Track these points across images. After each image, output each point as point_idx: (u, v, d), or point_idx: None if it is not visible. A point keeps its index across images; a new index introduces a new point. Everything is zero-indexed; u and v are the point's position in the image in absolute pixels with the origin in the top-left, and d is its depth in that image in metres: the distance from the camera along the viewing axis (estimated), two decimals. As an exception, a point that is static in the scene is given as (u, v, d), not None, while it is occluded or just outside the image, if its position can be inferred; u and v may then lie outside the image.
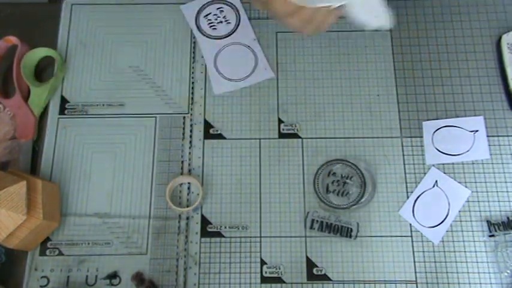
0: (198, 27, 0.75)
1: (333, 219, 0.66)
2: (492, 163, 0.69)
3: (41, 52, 0.74)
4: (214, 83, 0.73)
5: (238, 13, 0.76)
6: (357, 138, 0.71)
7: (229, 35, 0.76)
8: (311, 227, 0.66)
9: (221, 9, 0.76)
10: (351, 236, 0.66)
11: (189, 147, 0.71)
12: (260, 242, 0.67)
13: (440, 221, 0.67)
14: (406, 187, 0.69)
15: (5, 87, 0.74)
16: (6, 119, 0.70)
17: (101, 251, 0.66)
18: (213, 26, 0.75)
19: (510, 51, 0.72)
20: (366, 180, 0.67)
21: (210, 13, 0.76)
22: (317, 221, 0.66)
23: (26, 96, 0.72)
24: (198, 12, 0.76)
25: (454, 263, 0.65)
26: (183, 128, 0.72)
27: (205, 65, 0.74)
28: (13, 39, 0.72)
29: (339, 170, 0.68)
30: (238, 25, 0.76)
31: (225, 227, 0.67)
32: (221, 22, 0.76)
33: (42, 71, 0.75)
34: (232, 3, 0.77)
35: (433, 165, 0.69)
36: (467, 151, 0.70)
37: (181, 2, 0.78)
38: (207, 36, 0.75)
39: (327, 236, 0.66)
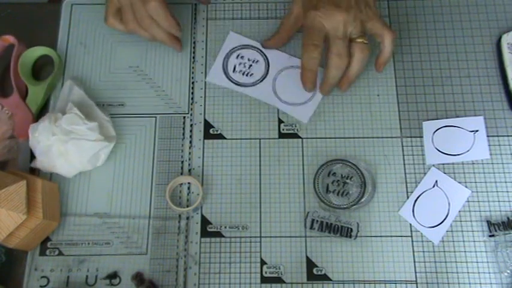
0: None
1: (333, 219, 0.66)
2: (492, 163, 0.69)
3: (38, 51, 0.74)
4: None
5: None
6: (357, 138, 0.71)
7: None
8: (311, 227, 0.66)
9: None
10: (350, 236, 0.66)
11: (189, 147, 0.71)
12: (260, 242, 0.67)
13: (440, 221, 0.67)
14: (406, 187, 0.69)
15: (3, 87, 0.74)
16: (4, 118, 0.70)
17: (101, 251, 0.66)
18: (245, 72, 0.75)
19: (510, 51, 0.72)
20: (366, 180, 0.67)
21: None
22: (317, 221, 0.66)
23: (24, 95, 0.72)
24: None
25: (454, 263, 0.65)
26: (183, 128, 0.72)
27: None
28: (10, 39, 0.72)
29: (339, 170, 0.68)
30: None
31: (225, 227, 0.67)
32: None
33: (40, 70, 0.75)
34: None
35: (433, 165, 0.69)
36: (467, 151, 0.70)
37: (181, 2, 0.78)
38: None
39: (327, 236, 0.66)
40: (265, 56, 0.75)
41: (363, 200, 0.67)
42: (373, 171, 0.69)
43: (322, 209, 0.67)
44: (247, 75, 0.74)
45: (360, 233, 0.66)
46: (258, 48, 0.75)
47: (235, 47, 0.75)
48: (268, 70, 0.74)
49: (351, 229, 0.66)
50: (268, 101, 0.73)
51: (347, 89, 0.71)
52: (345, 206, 0.67)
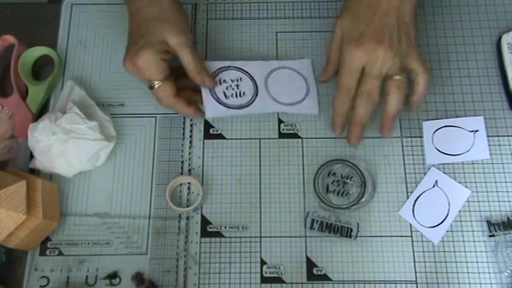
0: None
1: (333, 219, 0.66)
2: (492, 163, 0.69)
3: (38, 51, 0.74)
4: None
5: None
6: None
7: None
8: (311, 227, 0.66)
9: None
10: (350, 236, 0.66)
11: (189, 147, 0.71)
12: (260, 242, 0.67)
13: (440, 221, 0.67)
14: (406, 187, 0.69)
15: (3, 87, 0.74)
16: (5, 118, 0.70)
17: (101, 251, 0.66)
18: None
19: (510, 51, 0.72)
20: (366, 180, 0.67)
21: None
22: (317, 221, 0.66)
23: (24, 95, 0.72)
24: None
25: (454, 263, 0.65)
26: (183, 128, 0.72)
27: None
28: (10, 39, 0.72)
29: (339, 170, 0.68)
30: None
31: (225, 227, 0.67)
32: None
33: (40, 70, 0.75)
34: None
35: (433, 165, 0.69)
36: (467, 151, 0.70)
37: (181, 2, 0.78)
38: None
39: (327, 236, 0.66)
40: (244, 70, 0.73)
41: (363, 200, 0.67)
42: (373, 171, 0.69)
43: (322, 209, 0.67)
44: (240, 95, 0.72)
45: (360, 233, 0.66)
46: (233, 67, 0.73)
47: (213, 74, 0.72)
48: (256, 83, 0.72)
49: (351, 229, 0.66)
50: (273, 109, 0.72)
51: (389, 132, 0.67)
52: (345, 206, 0.67)
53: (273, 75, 0.73)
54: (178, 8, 0.68)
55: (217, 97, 0.71)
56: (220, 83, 0.71)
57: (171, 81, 0.67)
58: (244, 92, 0.72)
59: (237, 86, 0.72)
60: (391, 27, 0.64)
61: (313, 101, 0.72)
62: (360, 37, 0.64)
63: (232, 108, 0.71)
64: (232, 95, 0.71)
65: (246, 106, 0.71)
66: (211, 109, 0.70)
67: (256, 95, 0.72)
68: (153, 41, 0.64)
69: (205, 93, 0.70)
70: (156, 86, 0.66)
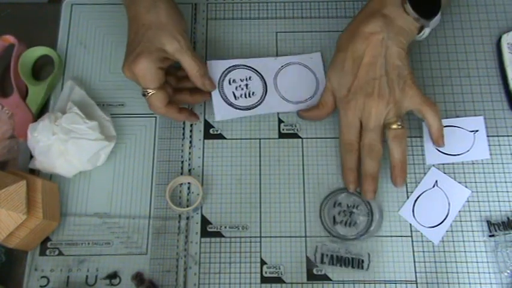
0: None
1: (343, 252, 0.65)
2: (492, 163, 0.69)
3: (38, 51, 0.74)
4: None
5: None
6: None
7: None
8: (321, 262, 0.65)
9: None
10: (363, 268, 0.65)
11: (189, 147, 0.71)
12: (260, 242, 0.67)
13: (440, 221, 0.67)
14: (406, 187, 0.69)
15: (3, 86, 0.74)
16: (5, 118, 0.70)
17: (101, 251, 0.66)
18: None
19: (510, 51, 0.72)
20: (373, 208, 0.67)
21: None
22: (327, 255, 0.65)
23: (24, 95, 0.72)
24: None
25: (454, 263, 0.65)
26: (183, 128, 0.72)
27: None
28: (10, 39, 0.72)
29: (344, 199, 0.67)
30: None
31: (225, 227, 0.67)
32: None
33: (40, 70, 0.75)
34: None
35: (433, 165, 0.69)
36: (467, 151, 0.70)
37: (182, 2, 0.78)
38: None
39: (338, 270, 0.65)
40: (253, 68, 0.73)
41: (371, 228, 0.66)
42: (379, 199, 0.68)
43: (331, 242, 0.66)
44: (249, 95, 0.72)
45: (372, 263, 0.65)
46: (242, 65, 0.73)
47: (222, 74, 0.72)
48: (265, 81, 0.73)
49: (362, 260, 0.65)
50: (283, 109, 0.72)
51: (403, 181, 0.65)
52: (353, 237, 0.66)
53: (282, 72, 0.73)
54: (175, 11, 0.67)
55: (227, 98, 0.71)
56: (229, 83, 0.72)
57: (165, 90, 0.66)
58: (253, 92, 0.72)
59: (246, 85, 0.72)
60: (379, 77, 0.63)
61: None
62: (349, 93, 0.65)
63: (241, 109, 0.71)
64: (241, 96, 0.71)
65: (255, 107, 0.71)
66: (221, 112, 0.71)
67: (265, 95, 0.72)
68: (151, 49, 0.63)
69: (215, 96, 0.71)
70: (149, 94, 0.66)
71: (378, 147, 0.64)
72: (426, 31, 0.67)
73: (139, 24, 0.65)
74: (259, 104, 0.72)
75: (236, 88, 0.72)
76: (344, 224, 0.66)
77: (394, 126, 0.64)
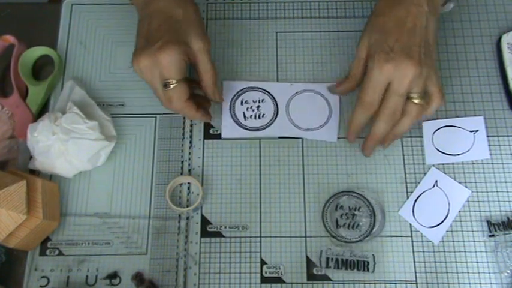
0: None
1: (348, 255, 0.65)
2: (492, 163, 0.69)
3: (38, 51, 0.74)
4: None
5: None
6: (357, 138, 0.71)
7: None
8: (327, 266, 0.65)
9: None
10: (368, 270, 0.65)
11: (189, 147, 0.71)
12: (260, 242, 0.67)
13: (440, 221, 0.67)
14: (406, 187, 0.69)
15: (3, 86, 0.74)
16: (5, 118, 0.70)
17: (101, 251, 0.66)
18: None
19: (510, 51, 0.72)
20: (375, 210, 0.67)
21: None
22: (332, 258, 0.65)
23: (24, 95, 0.72)
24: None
25: (454, 263, 0.65)
26: (183, 128, 0.72)
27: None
28: (10, 39, 0.72)
29: (346, 202, 0.67)
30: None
31: (225, 227, 0.67)
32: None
33: (40, 70, 0.75)
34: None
35: (433, 165, 0.69)
36: (467, 151, 0.70)
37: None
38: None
39: (343, 272, 0.65)
40: (268, 92, 0.73)
41: (374, 230, 0.66)
42: (380, 199, 0.68)
43: (335, 245, 0.66)
44: (259, 117, 0.72)
45: (377, 264, 0.65)
46: (257, 88, 0.73)
47: (236, 94, 0.73)
48: (277, 105, 0.72)
49: (367, 262, 0.65)
50: (290, 134, 0.71)
51: (389, 146, 0.68)
52: (357, 239, 0.66)
53: (296, 98, 0.73)
54: (199, 12, 0.67)
55: (236, 118, 0.71)
56: (241, 104, 0.72)
57: (187, 83, 0.64)
58: (264, 114, 0.72)
59: (258, 107, 0.72)
60: (418, 45, 0.62)
61: (332, 128, 0.71)
62: (390, 52, 0.62)
63: (248, 129, 0.71)
64: (251, 116, 0.72)
65: (263, 129, 0.71)
66: (229, 130, 0.71)
67: (276, 118, 0.72)
68: (179, 40, 0.63)
69: (224, 113, 0.71)
70: (172, 85, 0.63)
71: (399, 114, 0.63)
72: (451, 5, 0.68)
73: (167, 16, 0.64)
74: (267, 127, 0.71)
75: (247, 109, 0.72)
76: (347, 227, 0.66)
77: (418, 101, 0.63)
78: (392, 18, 0.64)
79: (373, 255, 0.65)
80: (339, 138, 0.71)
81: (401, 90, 0.61)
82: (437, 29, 0.66)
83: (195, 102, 0.67)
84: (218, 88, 0.68)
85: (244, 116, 0.72)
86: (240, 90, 0.73)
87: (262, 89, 0.73)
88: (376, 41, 0.64)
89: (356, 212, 0.67)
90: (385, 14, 0.65)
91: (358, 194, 0.67)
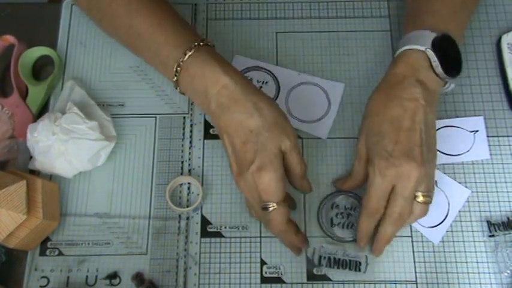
0: None
1: (341, 254, 0.65)
2: (492, 163, 0.69)
3: (38, 51, 0.74)
4: None
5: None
6: (357, 138, 0.71)
7: None
8: (319, 264, 0.65)
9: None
10: (360, 270, 0.64)
11: (189, 147, 0.71)
12: (260, 242, 0.67)
13: (440, 221, 0.67)
14: (406, 187, 0.68)
15: (3, 86, 0.74)
16: (5, 118, 0.70)
17: (100, 251, 0.66)
18: None
19: (510, 51, 0.72)
20: None
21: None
22: (324, 257, 0.65)
23: (24, 95, 0.72)
24: None
25: (454, 263, 0.65)
26: (183, 128, 0.72)
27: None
28: (10, 39, 0.72)
29: (342, 201, 0.67)
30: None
31: (225, 227, 0.67)
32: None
33: (40, 70, 0.75)
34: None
35: (433, 165, 0.69)
36: (467, 151, 0.70)
37: (182, 2, 0.78)
38: None
39: (335, 271, 0.65)
40: (274, 75, 0.74)
41: None
42: None
43: (328, 244, 0.66)
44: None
45: (371, 265, 0.65)
46: (265, 69, 0.74)
47: (243, 70, 0.74)
48: (279, 90, 0.73)
49: (360, 262, 0.65)
50: None
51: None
52: (351, 239, 0.66)
53: (299, 88, 0.73)
54: (274, 106, 0.61)
55: None
56: None
57: (286, 203, 0.61)
58: None
59: (260, 87, 0.73)
60: (419, 145, 0.59)
61: (325, 125, 0.71)
62: (390, 157, 0.59)
63: None
64: None
65: None
66: None
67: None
68: (271, 158, 0.58)
69: None
70: (271, 208, 0.59)
71: (406, 217, 0.61)
72: (452, 85, 0.65)
73: (246, 131, 0.59)
74: None
75: None
76: (342, 226, 0.66)
77: (423, 200, 0.61)
78: (387, 118, 0.61)
79: (366, 256, 0.65)
80: (336, 137, 0.71)
81: (406, 194, 0.59)
82: (436, 116, 0.63)
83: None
84: (307, 179, 0.64)
85: None
86: (249, 67, 0.74)
87: (270, 72, 0.74)
88: (374, 145, 0.61)
89: (352, 212, 0.67)
90: (378, 113, 0.62)
91: (355, 194, 0.67)
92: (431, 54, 0.62)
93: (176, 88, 0.65)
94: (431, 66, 0.62)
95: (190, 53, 0.61)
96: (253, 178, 0.58)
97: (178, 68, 0.62)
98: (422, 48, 0.62)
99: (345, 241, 0.66)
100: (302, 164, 0.62)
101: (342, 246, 0.66)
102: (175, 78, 0.63)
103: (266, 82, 0.73)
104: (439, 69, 0.62)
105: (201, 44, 0.62)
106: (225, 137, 0.61)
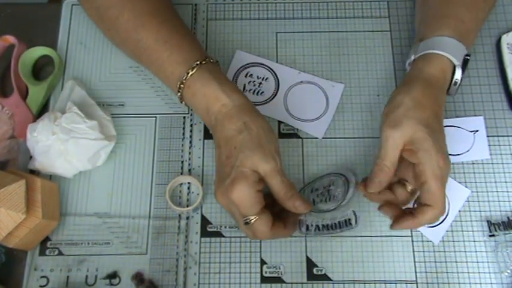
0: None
1: (328, 219, 0.63)
2: (492, 163, 0.69)
3: (38, 51, 0.74)
4: None
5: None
6: (357, 139, 0.71)
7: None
8: (307, 231, 0.63)
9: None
10: (351, 224, 0.62)
11: (189, 147, 0.71)
12: (260, 242, 0.67)
13: (440, 221, 0.67)
14: (406, 187, 0.68)
15: (3, 87, 0.74)
16: (5, 118, 0.70)
17: (100, 251, 0.66)
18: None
19: (510, 51, 0.72)
20: (348, 176, 0.65)
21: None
22: (312, 224, 0.63)
23: (24, 95, 0.72)
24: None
25: (454, 263, 0.65)
26: (183, 128, 0.72)
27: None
28: (10, 39, 0.72)
29: (319, 184, 0.67)
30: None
31: (225, 227, 0.67)
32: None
33: (40, 70, 0.75)
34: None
35: (433, 165, 0.69)
36: (467, 151, 0.70)
37: (182, 3, 0.78)
38: None
39: (327, 235, 0.65)
40: (274, 73, 0.74)
41: (349, 191, 0.64)
42: (348, 164, 0.68)
43: (315, 217, 0.64)
44: (257, 93, 0.73)
45: (359, 220, 0.62)
46: (266, 66, 0.74)
47: (244, 65, 0.74)
48: (278, 87, 0.73)
49: (349, 219, 0.62)
50: (280, 118, 0.72)
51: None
52: (334, 208, 0.64)
53: (298, 87, 0.73)
54: (266, 131, 0.62)
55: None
56: (245, 76, 0.74)
57: (267, 211, 0.60)
58: (262, 92, 0.73)
59: (260, 84, 0.73)
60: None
61: (322, 125, 0.72)
62: (444, 154, 0.60)
63: None
64: (250, 90, 0.73)
65: (258, 105, 0.72)
66: None
67: (272, 99, 0.73)
68: (246, 172, 0.59)
69: None
70: (253, 221, 0.59)
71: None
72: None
73: (231, 147, 0.61)
74: (261, 104, 0.72)
75: (249, 82, 0.73)
76: (325, 201, 0.65)
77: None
78: (433, 114, 0.61)
79: (353, 211, 0.62)
80: (327, 138, 0.71)
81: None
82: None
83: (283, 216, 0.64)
84: (297, 198, 0.61)
85: (244, 88, 0.73)
86: (250, 63, 0.74)
87: (271, 69, 0.74)
88: (427, 137, 0.60)
89: (331, 187, 0.65)
90: (425, 107, 0.61)
91: (331, 173, 0.67)
92: (459, 72, 0.64)
93: (181, 102, 0.67)
94: (451, 80, 0.64)
95: (192, 72, 0.64)
96: (228, 193, 0.59)
97: (181, 85, 0.65)
98: (456, 62, 0.63)
99: (330, 210, 0.63)
100: (286, 188, 0.60)
101: (329, 214, 0.63)
102: (179, 93, 0.66)
103: (266, 78, 0.73)
104: (456, 86, 0.64)
105: (204, 62, 0.65)
106: (217, 150, 0.64)
